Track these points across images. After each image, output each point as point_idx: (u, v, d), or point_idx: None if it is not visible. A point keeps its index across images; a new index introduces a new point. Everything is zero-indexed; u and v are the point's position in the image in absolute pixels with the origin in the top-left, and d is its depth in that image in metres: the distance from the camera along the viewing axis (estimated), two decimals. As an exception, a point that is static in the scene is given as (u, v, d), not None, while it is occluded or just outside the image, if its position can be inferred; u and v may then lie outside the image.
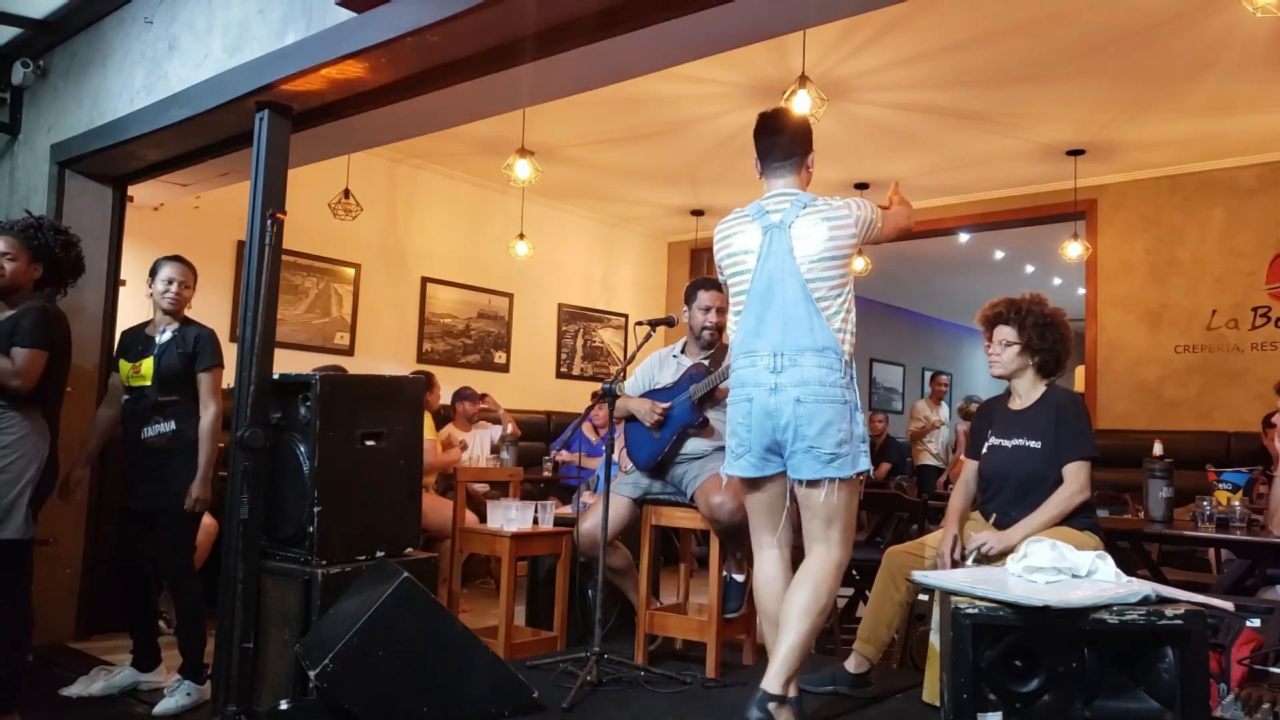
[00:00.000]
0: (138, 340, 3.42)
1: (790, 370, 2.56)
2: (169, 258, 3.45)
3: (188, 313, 3.45)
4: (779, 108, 2.95)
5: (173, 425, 3.27)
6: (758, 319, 2.63)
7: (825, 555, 2.61)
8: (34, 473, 2.98)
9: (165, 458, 3.25)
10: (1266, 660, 2.61)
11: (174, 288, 3.38)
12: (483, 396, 6.04)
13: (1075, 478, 2.94)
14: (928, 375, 13.19)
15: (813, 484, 2.56)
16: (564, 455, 6.27)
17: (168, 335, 3.35)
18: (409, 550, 3.21)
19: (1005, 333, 3.13)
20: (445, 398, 6.16)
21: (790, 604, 2.58)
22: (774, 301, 2.61)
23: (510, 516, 3.75)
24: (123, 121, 3.97)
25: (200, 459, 3.24)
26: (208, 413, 3.30)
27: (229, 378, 3.43)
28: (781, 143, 2.74)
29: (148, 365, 3.31)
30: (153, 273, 3.43)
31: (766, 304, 2.62)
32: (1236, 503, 3.53)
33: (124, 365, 3.39)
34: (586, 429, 6.40)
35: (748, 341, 2.65)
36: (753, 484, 2.71)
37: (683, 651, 3.83)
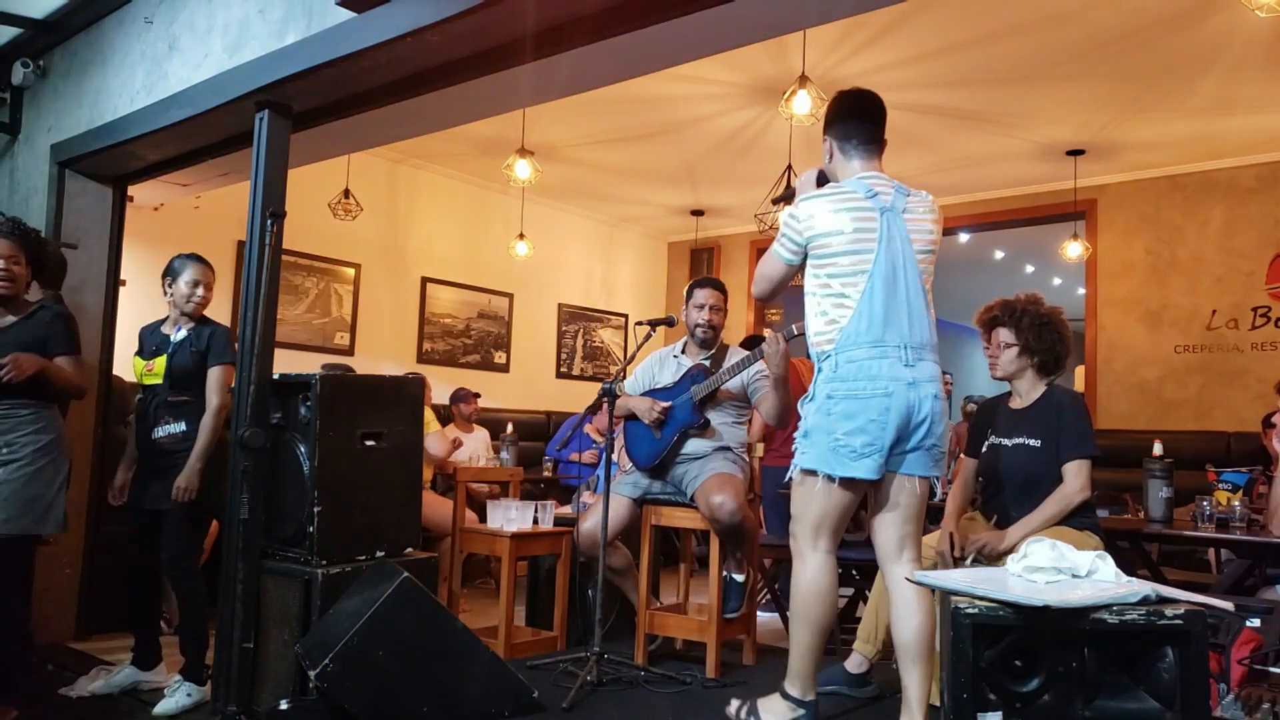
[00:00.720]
0: (154, 338, 3.39)
1: (920, 365, 2.49)
2: (190, 257, 3.38)
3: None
4: (860, 88, 2.74)
5: (183, 426, 3.26)
6: (884, 306, 2.48)
7: (916, 568, 2.57)
8: (67, 471, 3.12)
9: (175, 459, 3.23)
10: (1266, 660, 2.61)
11: (199, 291, 3.33)
12: (476, 395, 6.05)
13: (1075, 477, 2.94)
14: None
15: (923, 480, 2.54)
16: (584, 457, 6.16)
17: (183, 333, 3.33)
18: (409, 550, 3.21)
19: (1003, 335, 3.13)
20: (438, 397, 6.15)
21: (918, 636, 2.50)
22: (898, 290, 2.50)
23: (510, 516, 3.75)
24: (123, 121, 3.97)
25: (195, 448, 3.20)
26: (210, 406, 3.26)
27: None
28: (875, 122, 2.67)
29: (161, 363, 3.30)
30: (173, 272, 3.36)
31: (891, 292, 2.50)
32: (1236, 503, 3.53)
33: (138, 363, 3.38)
34: (590, 429, 6.37)
35: (874, 330, 2.47)
36: (851, 486, 2.54)
37: (683, 651, 3.83)
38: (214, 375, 3.28)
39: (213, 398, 3.27)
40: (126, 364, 4.48)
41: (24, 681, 3.09)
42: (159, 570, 3.34)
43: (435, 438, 5.12)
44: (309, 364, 5.85)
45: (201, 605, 3.25)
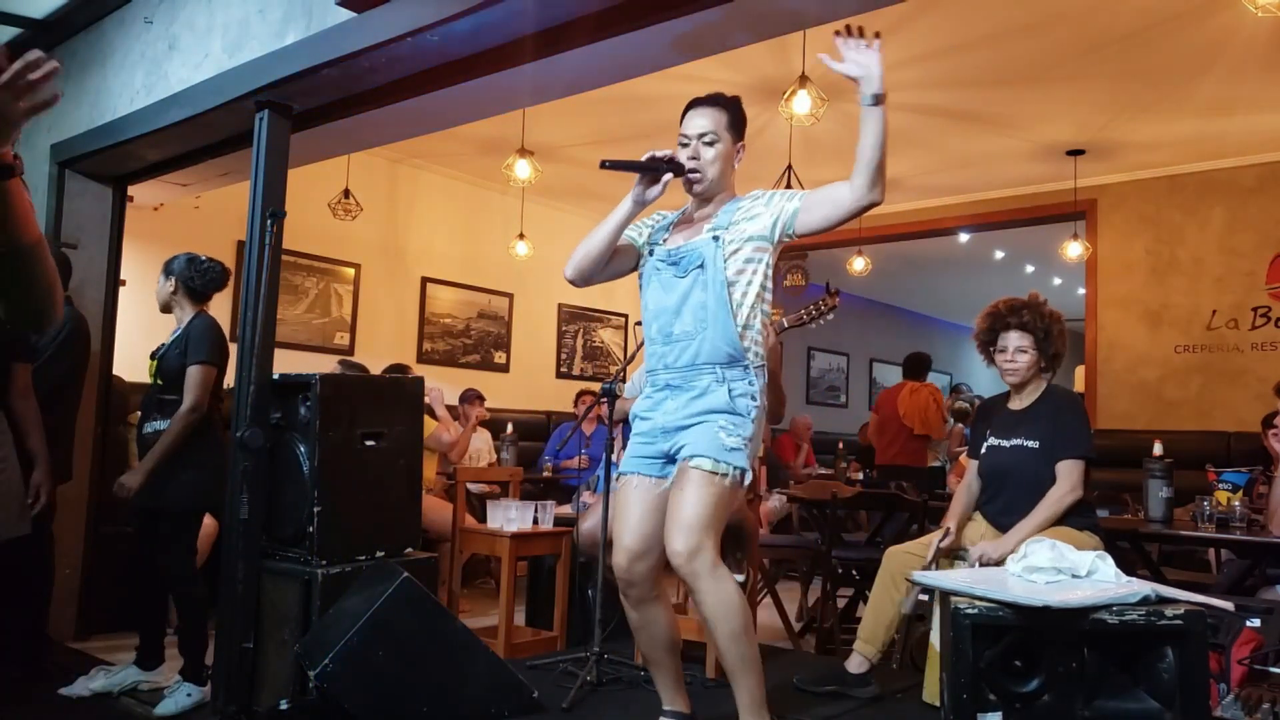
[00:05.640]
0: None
1: None
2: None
3: (209, 307, 3.42)
4: None
5: (167, 423, 3.26)
6: None
7: None
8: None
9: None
10: (1266, 660, 2.61)
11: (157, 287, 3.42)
12: (481, 401, 6.05)
13: (1067, 476, 2.93)
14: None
15: None
16: (572, 461, 6.17)
17: (176, 333, 3.35)
18: (409, 550, 3.21)
19: (1018, 340, 3.09)
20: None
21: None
22: None
23: (510, 516, 3.75)
24: (123, 121, 3.97)
25: (155, 447, 3.16)
26: (182, 406, 3.18)
27: (230, 378, 3.41)
28: None
29: (154, 363, 3.34)
30: None
31: None
32: (1236, 503, 3.53)
33: (150, 363, 3.41)
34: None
35: None
36: None
37: (683, 651, 3.82)
38: (189, 375, 3.21)
39: (186, 397, 3.19)
40: (126, 364, 4.51)
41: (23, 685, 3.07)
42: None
43: (440, 430, 5.20)
44: (309, 364, 5.85)
45: (199, 606, 3.24)
